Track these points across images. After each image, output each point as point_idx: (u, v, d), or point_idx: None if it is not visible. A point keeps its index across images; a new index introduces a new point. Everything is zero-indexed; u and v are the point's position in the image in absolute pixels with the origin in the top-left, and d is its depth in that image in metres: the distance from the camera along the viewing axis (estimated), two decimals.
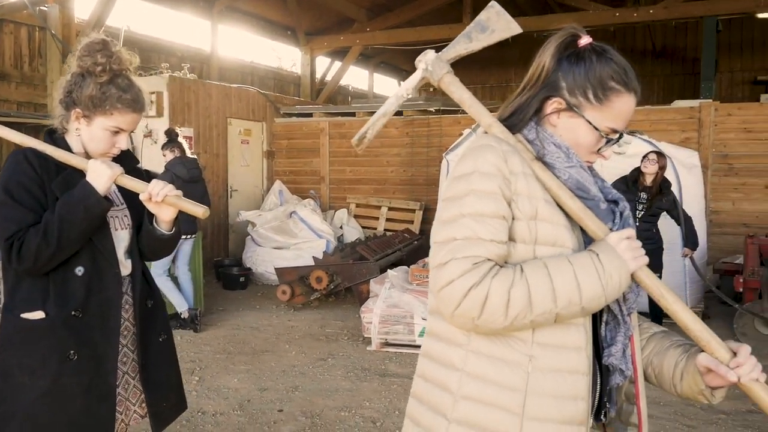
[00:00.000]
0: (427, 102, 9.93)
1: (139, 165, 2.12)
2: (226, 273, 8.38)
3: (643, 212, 5.66)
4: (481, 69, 16.26)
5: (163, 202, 1.86)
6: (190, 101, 8.74)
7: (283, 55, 14.08)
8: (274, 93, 11.56)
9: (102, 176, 1.83)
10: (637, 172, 5.72)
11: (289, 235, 8.72)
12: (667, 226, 5.92)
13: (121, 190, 2.00)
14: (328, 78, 13.58)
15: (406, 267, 6.56)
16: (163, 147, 6.26)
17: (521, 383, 1.25)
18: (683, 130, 8.28)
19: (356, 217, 9.95)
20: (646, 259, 1.28)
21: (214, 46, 11.09)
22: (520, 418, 1.24)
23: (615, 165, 6.16)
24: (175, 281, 6.18)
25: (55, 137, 1.93)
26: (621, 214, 1.35)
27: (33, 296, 1.84)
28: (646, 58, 15.52)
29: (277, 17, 12.16)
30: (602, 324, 1.34)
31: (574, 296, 1.20)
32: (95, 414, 1.88)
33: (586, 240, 1.32)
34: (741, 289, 6.02)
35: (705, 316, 6.67)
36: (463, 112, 1.42)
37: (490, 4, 1.44)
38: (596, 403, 1.36)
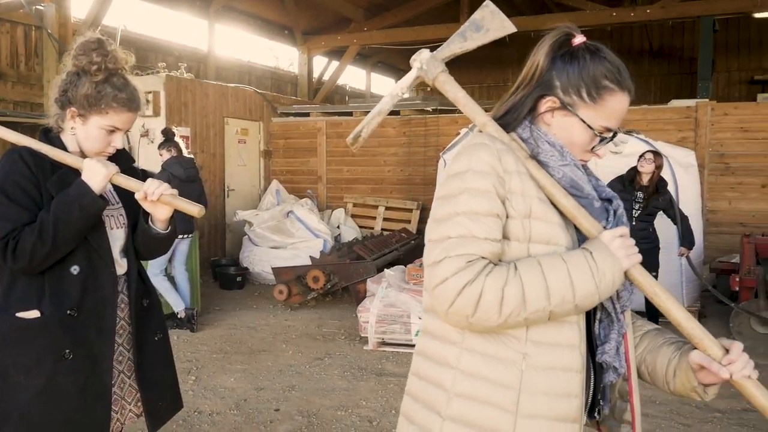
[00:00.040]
0: (424, 101, 9.94)
1: (134, 164, 2.12)
2: (223, 273, 8.37)
3: (639, 211, 5.67)
4: (479, 69, 16.27)
5: (159, 200, 1.86)
6: (187, 101, 8.74)
7: (281, 55, 14.08)
8: (271, 92, 11.56)
9: (97, 175, 1.83)
10: (634, 172, 5.74)
11: (286, 235, 8.72)
12: (663, 225, 5.93)
13: (117, 189, 2.00)
14: (326, 77, 13.57)
15: (403, 266, 6.56)
16: (160, 146, 6.25)
17: (515, 381, 1.25)
18: (680, 129, 8.30)
19: (353, 216, 9.96)
20: (640, 257, 1.28)
21: (211, 45, 11.08)
22: (513, 416, 1.25)
23: (612, 164, 6.18)
24: (172, 281, 6.18)
25: (51, 136, 1.93)
26: (615, 212, 1.36)
27: (28, 295, 1.84)
28: (643, 58, 15.55)
29: (274, 17, 12.15)
30: (596, 322, 1.35)
31: (568, 294, 1.21)
32: (91, 413, 1.88)
33: (580, 238, 1.33)
34: (737, 288, 6.03)
35: (701, 315, 6.69)
36: (461, 111, 1.42)
37: (484, 3, 1.44)
38: (590, 400, 1.37)
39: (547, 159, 1.33)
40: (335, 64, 13.51)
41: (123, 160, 2.02)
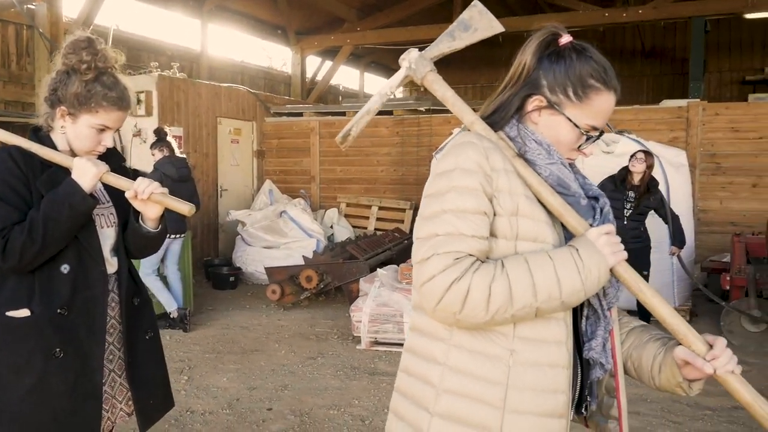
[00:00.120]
0: (417, 101, 9.95)
1: (124, 163, 2.12)
2: (216, 273, 8.36)
3: (630, 211, 5.70)
4: (472, 69, 16.30)
5: (149, 199, 1.86)
6: (179, 100, 8.72)
7: (274, 55, 14.08)
8: (264, 92, 11.55)
9: (87, 174, 1.83)
10: (625, 171, 5.77)
11: (279, 235, 8.71)
12: (654, 224, 5.96)
13: (107, 187, 2.00)
14: (319, 77, 13.57)
15: (395, 266, 6.57)
16: (152, 146, 6.24)
17: (502, 377, 1.26)
18: (671, 129, 8.34)
19: (346, 216, 9.96)
20: (625, 254, 1.29)
21: (204, 45, 11.06)
22: (501, 412, 1.26)
23: (603, 164, 6.21)
24: (165, 281, 6.17)
25: (41, 135, 1.92)
26: (601, 210, 1.37)
27: (18, 294, 1.84)
28: (636, 58, 15.62)
29: (267, 16, 12.14)
30: (583, 318, 1.36)
31: (554, 291, 1.22)
32: (81, 412, 1.88)
33: (567, 235, 1.34)
34: (728, 287, 6.08)
35: (693, 314, 6.73)
36: None
37: (473, 2, 1.46)
38: (577, 396, 1.39)
39: (534, 157, 1.34)
40: (328, 64, 13.50)
41: (113, 159, 2.02)
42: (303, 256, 7.49)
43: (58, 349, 1.84)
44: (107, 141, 1.94)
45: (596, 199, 1.39)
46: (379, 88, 1.47)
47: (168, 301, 6.00)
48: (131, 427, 2.16)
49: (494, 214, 1.28)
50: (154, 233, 2.00)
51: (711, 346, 1.28)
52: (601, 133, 1.39)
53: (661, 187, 6.00)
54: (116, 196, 2.00)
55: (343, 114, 10.21)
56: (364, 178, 10.08)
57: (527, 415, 1.27)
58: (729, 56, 15.12)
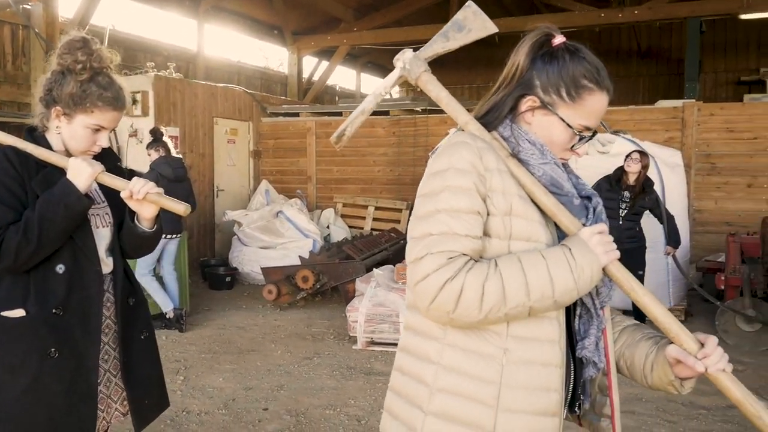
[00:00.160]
0: (413, 102, 9.96)
1: (120, 163, 2.12)
2: (212, 273, 8.36)
3: (626, 211, 5.72)
4: (468, 69, 16.32)
5: (144, 199, 1.86)
6: (175, 101, 8.71)
7: (270, 55, 14.07)
8: (260, 93, 11.54)
9: (82, 174, 1.83)
10: (621, 171, 5.78)
11: (275, 235, 8.71)
12: (650, 224, 5.98)
13: (103, 187, 2.00)
14: (315, 78, 13.57)
15: (392, 266, 6.57)
16: (148, 146, 6.23)
17: (496, 376, 1.27)
18: (667, 129, 8.37)
19: (343, 216, 9.96)
20: (617, 254, 1.30)
21: (201, 45, 11.05)
22: (494, 410, 1.27)
23: (599, 164, 6.23)
24: (161, 281, 6.16)
25: (36, 135, 1.92)
26: (594, 209, 1.38)
27: (13, 294, 1.84)
28: (631, 59, 15.66)
29: (263, 17, 12.13)
30: (576, 317, 1.37)
31: (547, 290, 1.23)
32: (76, 412, 1.88)
33: (560, 235, 1.35)
34: (723, 287, 6.09)
35: (688, 314, 6.75)
36: None
37: (467, 3, 1.46)
38: (570, 395, 1.39)
39: (527, 157, 1.34)
40: (325, 64, 13.50)
41: (109, 159, 2.02)
42: (299, 256, 7.49)
43: (53, 349, 1.83)
44: (102, 141, 1.94)
45: (589, 198, 1.40)
46: (374, 88, 1.48)
47: (164, 302, 6.00)
48: (126, 427, 2.16)
49: (488, 214, 1.29)
50: (149, 233, 2.00)
51: (702, 345, 1.29)
52: (594, 133, 1.40)
53: (657, 188, 6.01)
54: (112, 196, 2.00)
55: (340, 114, 10.21)
56: (361, 178, 10.09)
57: (520, 413, 1.27)
58: (724, 57, 15.16)
